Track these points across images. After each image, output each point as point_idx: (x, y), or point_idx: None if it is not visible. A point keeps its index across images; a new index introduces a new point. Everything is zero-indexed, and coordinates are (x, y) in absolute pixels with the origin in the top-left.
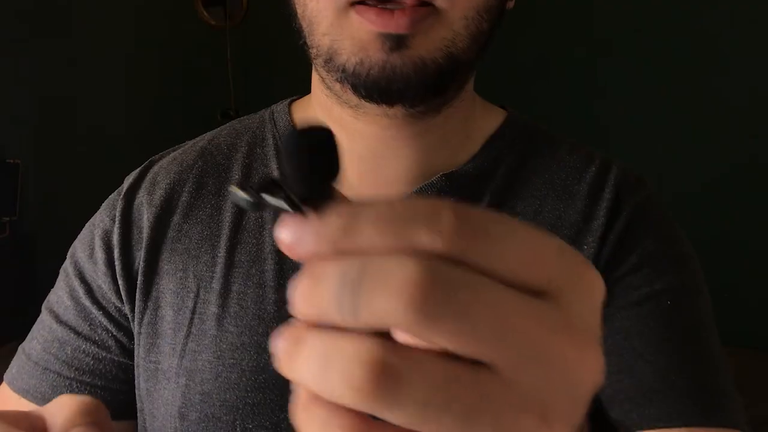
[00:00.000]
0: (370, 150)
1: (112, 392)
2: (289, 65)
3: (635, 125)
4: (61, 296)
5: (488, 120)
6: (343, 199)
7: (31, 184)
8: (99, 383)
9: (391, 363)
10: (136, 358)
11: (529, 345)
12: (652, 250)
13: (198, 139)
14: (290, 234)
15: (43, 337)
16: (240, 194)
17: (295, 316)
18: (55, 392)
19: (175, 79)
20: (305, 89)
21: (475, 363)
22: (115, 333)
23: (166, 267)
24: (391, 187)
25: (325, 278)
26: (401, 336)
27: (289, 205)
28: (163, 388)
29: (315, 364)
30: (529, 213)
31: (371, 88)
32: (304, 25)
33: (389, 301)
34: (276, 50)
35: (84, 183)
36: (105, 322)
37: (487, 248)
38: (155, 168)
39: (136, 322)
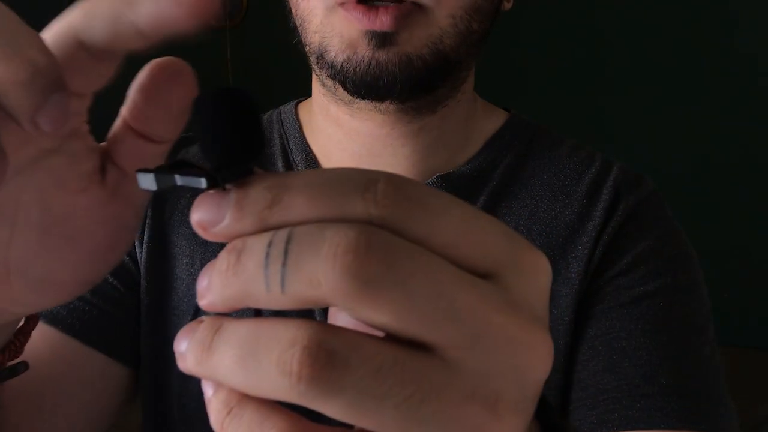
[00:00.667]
0: (367, 149)
1: (125, 325)
2: (289, 65)
3: (637, 124)
4: None
5: (489, 122)
6: (264, 172)
7: None
8: (115, 312)
9: (329, 345)
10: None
11: (474, 323)
12: (647, 250)
13: None
14: (207, 211)
15: None
16: (145, 176)
17: (209, 305)
18: (71, 314)
19: None
20: (305, 89)
21: (417, 348)
22: (137, 278)
23: (173, 251)
24: None
25: (248, 251)
26: (335, 319)
27: (206, 180)
28: (169, 372)
29: (239, 355)
30: (525, 213)
31: (359, 84)
32: (298, 23)
33: (322, 267)
34: (276, 50)
35: None
36: (131, 266)
37: (426, 219)
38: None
39: (141, 298)
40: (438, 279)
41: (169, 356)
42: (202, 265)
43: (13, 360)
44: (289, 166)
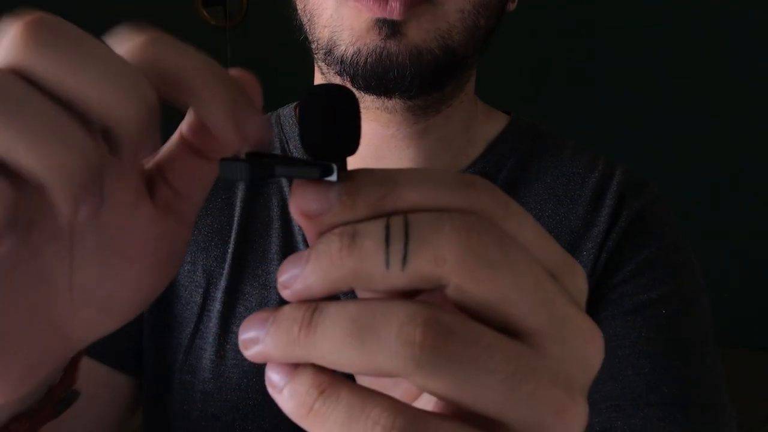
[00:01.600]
0: (372, 151)
1: (128, 334)
2: (289, 65)
3: (635, 126)
4: None
5: (490, 124)
6: (367, 168)
7: None
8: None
9: (446, 320)
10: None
11: (558, 312)
12: (651, 258)
13: None
14: (316, 201)
15: None
16: (233, 165)
17: (303, 290)
18: None
19: None
20: None
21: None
22: None
23: None
24: None
25: (364, 232)
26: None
27: (320, 171)
28: (170, 382)
29: (353, 329)
30: None
31: (369, 77)
32: (305, 19)
33: (447, 244)
34: (276, 50)
35: None
36: None
37: (515, 218)
38: None
39: None
40: (534, 269)
41: (171, 364)
42: (204, 272)
43: (65, 392)
44: None
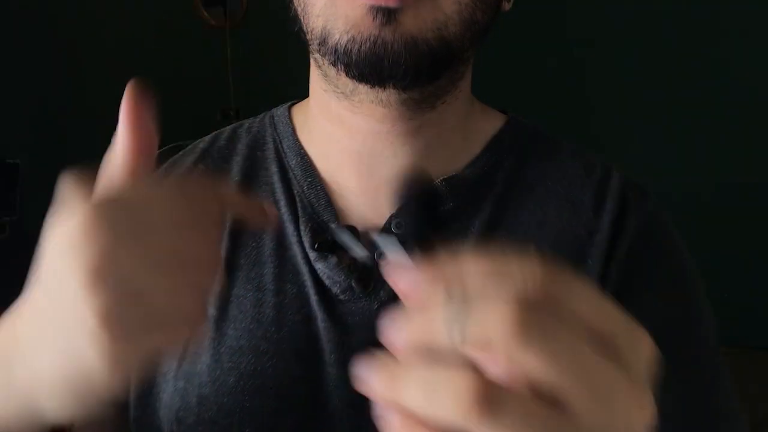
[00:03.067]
0: (368, 148)
1: None
2: (289, 65)
3: (635, 127)
4: None
5: (488, 123)
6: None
7: (31, 184)
8: None
9: (490, 391)
10: None
11: (597, 383)
12: (655, 277)
13: (198, 141)
14: (412, 283)
15: None
16: (364, 251)
17: (398, 342)
18: None
19: (174, 79)
20: (305, 89)
21: (550, 402)
22: None
23: None
24: (389, 187)
25: (436, 311)
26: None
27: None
28: (162, 390)
29: (422, 389)
30: (533, 224)
31: (363, 65)
32: (300, 9)
33: (496, 323)
34: (276, 50)
35: None
36: None
37: (570, 298)
38: (162, 167)
39: None
40: (574, 343)
41: (166, 372)
42: None
43: None
44: (283, 169)
